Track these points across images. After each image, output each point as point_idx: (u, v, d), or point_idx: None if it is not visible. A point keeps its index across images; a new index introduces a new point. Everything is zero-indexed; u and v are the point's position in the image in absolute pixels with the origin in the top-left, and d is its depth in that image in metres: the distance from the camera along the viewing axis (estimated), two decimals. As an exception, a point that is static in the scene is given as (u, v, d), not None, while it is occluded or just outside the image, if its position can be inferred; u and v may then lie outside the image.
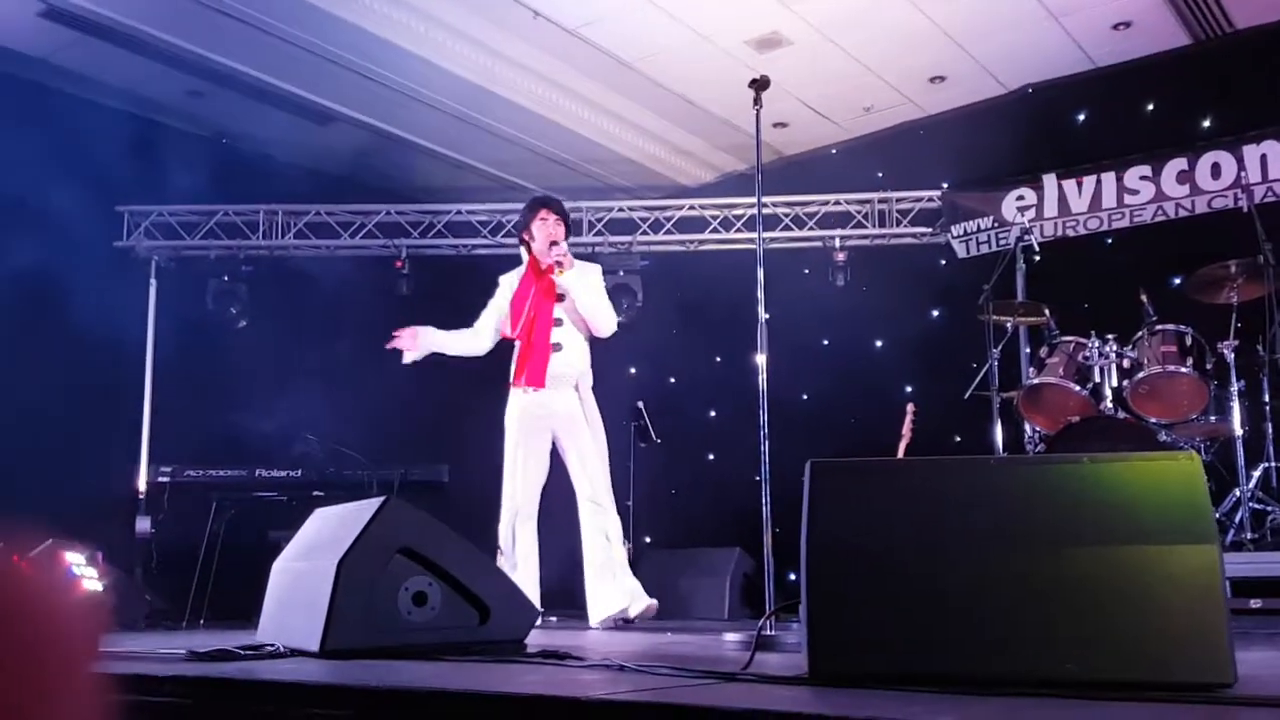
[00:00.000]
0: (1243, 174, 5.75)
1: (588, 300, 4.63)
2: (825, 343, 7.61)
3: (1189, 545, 2.05)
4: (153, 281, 6.99)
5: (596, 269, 4.83)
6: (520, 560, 4.55)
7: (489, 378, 5.15)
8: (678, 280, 7.68)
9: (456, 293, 7.58)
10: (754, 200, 7.50)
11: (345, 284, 7.06)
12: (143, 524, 5.64)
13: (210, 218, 7.21)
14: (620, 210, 7.56)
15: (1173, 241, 6.06)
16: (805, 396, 7.78)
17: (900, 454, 5.96)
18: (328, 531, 2.96)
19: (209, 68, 6.42)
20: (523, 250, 4.81)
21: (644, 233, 7.50)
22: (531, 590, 4.43)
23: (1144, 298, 5.28)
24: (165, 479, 5.57)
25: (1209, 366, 5.08)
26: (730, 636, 3.28)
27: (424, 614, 2.69)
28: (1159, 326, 5.17)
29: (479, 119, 7.21)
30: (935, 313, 7.14)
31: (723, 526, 6.72)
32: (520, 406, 4.66)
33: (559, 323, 4.66)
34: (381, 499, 2.79)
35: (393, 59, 6.37)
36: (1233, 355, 5.06)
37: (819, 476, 2.27)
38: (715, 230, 7.46)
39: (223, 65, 6.39)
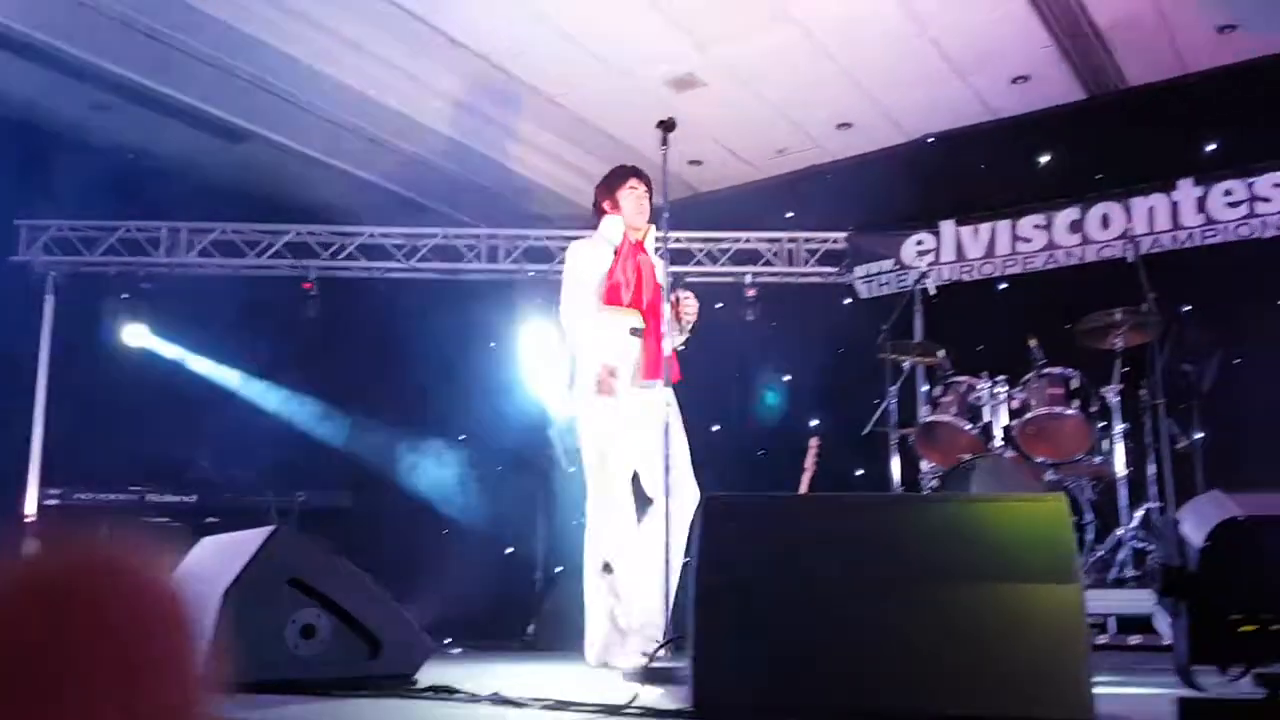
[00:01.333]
0: (1130, 226, 6.05)
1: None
2: (737, 375, 7.73)
3: (1054, 584, 2.15)
4: (49, 297, 6.76)
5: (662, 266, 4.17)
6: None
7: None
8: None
9: (366, 317, 7.54)
10: (670, 234, 7.65)
11: (250, 305, 6.93)
12: (29, 548, 5.41)
13: (111, 233, 7.02)
14: (538, 239, 7.59)
15: (1063, 288, 6.33)
16: (716, 428, 7.89)
17: (804, 487, 6.09)
18: (213, 561, 2.90)
19: (115, 81, 6.28)
20: (605, 222, 4.19)
21: (561, 261, 7.53)
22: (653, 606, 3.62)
23: (1033, 342, 5.49)
24: (54, 501, 5.39)
25: (1094, 409, 5.30)
26: (625, 668, 3.30)
27: (312, 647, 2.66)
28: (1047, 370, 5.38)
29: (395, 142, 7.19)
30: (840, 350, 7.31)
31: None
32: (639, 402, 3.85)
33: None
34: (271, 528, 2.75)
35: (305, 78, 6.32)
36: (1117, 399, 5.30)
37: (711, 512, 2.33)
38: (629, 262, 7.53)
39: (129, 79, 6.26)
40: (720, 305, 7.75)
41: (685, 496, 3.79)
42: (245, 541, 2.77)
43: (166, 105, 6.58)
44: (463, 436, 7.46)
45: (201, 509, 5.44)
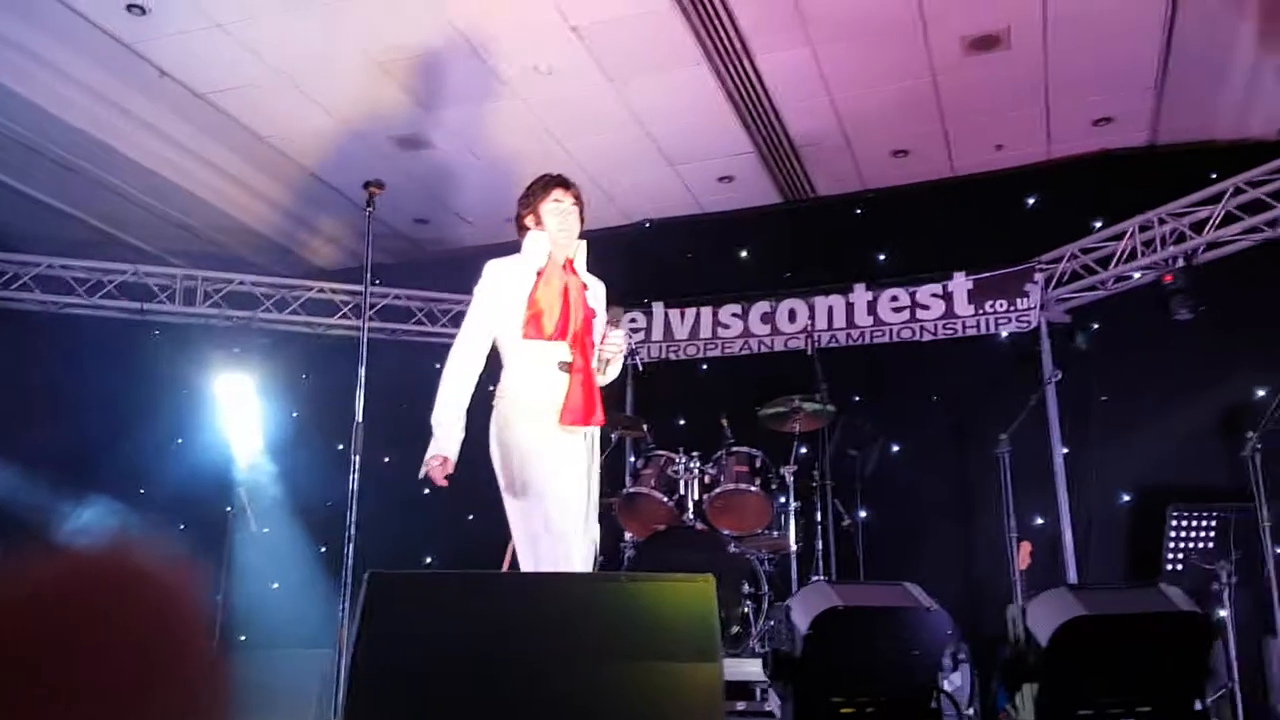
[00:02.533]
0: (811, 322, 6.66)
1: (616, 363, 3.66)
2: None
3: (699, 663, 2.30)
4: None
5: (600, 286, 3.77)
6: None
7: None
8: (300, 362, 7.43)
9: (41, 352, 6.82)
10: (389, 291, 7.53)
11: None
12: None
13: None
14: (243, 284, 7.22)
15: (754, 373, 6.85)
16: (426, 491, 7.74)
17: (508, 555, 6.11)
18: None
19: None
20: (528, 240, 3.61)
21: (266, 310, 7.21)
22: None
23: (725, 421, 5.89)
24: None
25: (774, 486, 5.73)
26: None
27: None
28: (735, 448, 5.77)
29: (91, 170, 6.63)
30: (554, 417, 7.47)
31: (327, 624, 6.44)
32: (548, 438, 3.42)
33: None
34: None
35: (-6, 96, 5.73)
36: (792, 478, 5.76)
37: (375, 588, 2.30)
38: (345, 316, 7.34)
39: None
40: (438, 366, 7.70)
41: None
42: None
43: None
44: (142, 490, 6.88)
45: None
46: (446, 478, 3.42)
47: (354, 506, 3.47)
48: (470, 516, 7.30)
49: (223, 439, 6.74)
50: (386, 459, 7.53)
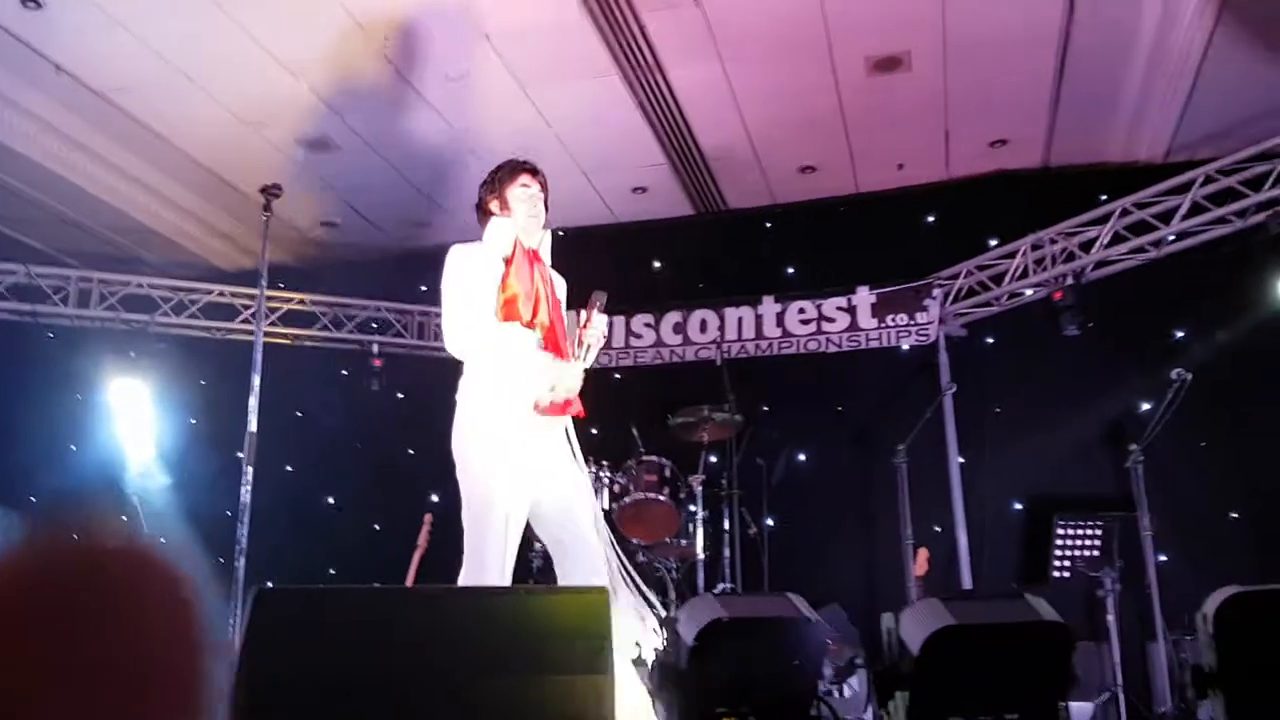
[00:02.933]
0: (721, 332, 6.75)
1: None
2: (358, 446, 7.55)
3: (590, 675, 2.32)
4: None
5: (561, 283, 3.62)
6: None
7: None
8: (199, 368, 7.23)
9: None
10: (292, 295, 7.39)
11: None
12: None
13: None
14: (140, 286, 7.01)
15: (666, 383, 6.90)
16: (330, 500, 7.63)
17: (414, 565, 6.05)
18: None
19: None
20: (491, 226, 3.41)
21: (164, 313, 7.01)
22: None
23: (635, 431, 5.93)
24: None
25: (683, 496, 5.79)
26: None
27: None
28: (645, 457, 5.81)
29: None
30: (462, 425, 7.41)
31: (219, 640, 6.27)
32: (539, 441, 3.23)
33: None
34: None
35: None
36: (700, 487, 5.83)
37: (260, 606, 2.25)
38: (246, 320, 7.17)
39: None
40: (346, 373, 7.59)
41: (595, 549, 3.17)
42: None
43: None
44: (33, 498, 6.60)
45: None
46: None
47: (245, 519, 3.39)
48: (376, 526, 7.23)
49: (117, 446, 6.53)
50: (289, 468, 7.40)
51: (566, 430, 3.29)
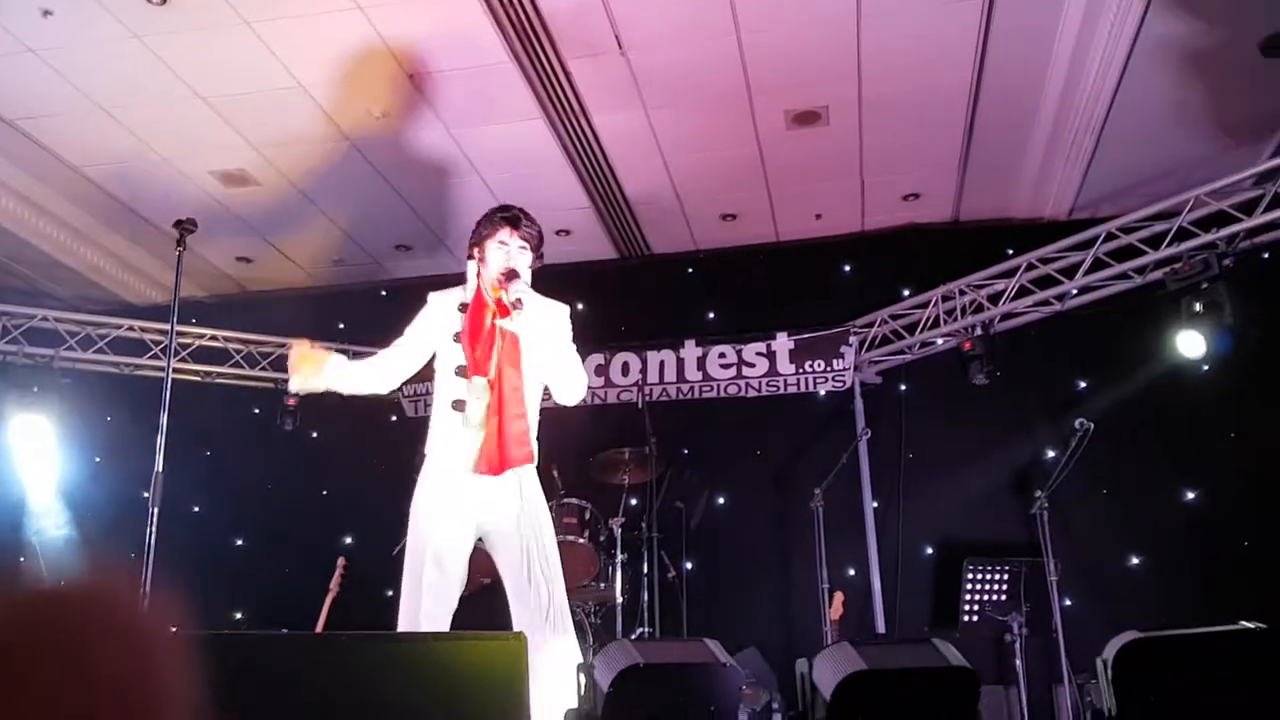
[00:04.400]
0: (643, 375, 6.79)
1: (552, 355, 3.39)
2: (269, 486, 7.36)
3: (504, 723, 2.29)
4: None
5: (564, 310, 3.61)
6: None
7: None
8: (105, 404, 6.99)
9: None
10: (205, 331, 7.21)
11: None
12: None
13: None
14: (45, 319, 6.76)
15: (587, 424, 6.88)
16: (240, 542, 7.41)
17: (326, 608, 5.89)
18: None
19: None
20: (471, 272, 3.48)
21: (70, 348, 6.77)
22: None
23: (555, 472, 5.89)
24: None
25: (602, 538, 5.76)
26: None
27: None
28: (566, 499, 5.78)
29: None
30: (382, 466, 7.28)
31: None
32: (449, 491, 3.30)
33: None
34: None
35: None
36: (620, 530, 5.81)
37: (163, 654, 2.18)
38: (156, 356, 6.97)
39: None
40: (258, 410, 7.41)
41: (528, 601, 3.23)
42: None
43: None
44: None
45: None
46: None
47: (150, 560, 3.28)
48: (287, 570, 7.02)
49: (16, 485, 6.26)
50: (196, 508, 7.17)
51: (520, 482, 3.35)
